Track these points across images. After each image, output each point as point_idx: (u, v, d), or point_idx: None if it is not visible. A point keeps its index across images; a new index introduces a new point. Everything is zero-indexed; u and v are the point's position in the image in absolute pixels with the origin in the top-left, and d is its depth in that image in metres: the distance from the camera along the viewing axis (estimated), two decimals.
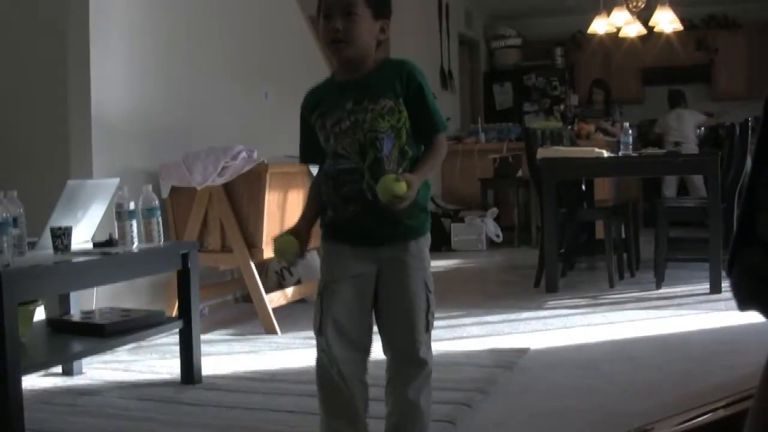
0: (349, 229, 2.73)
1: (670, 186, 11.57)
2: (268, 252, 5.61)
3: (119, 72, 5.59)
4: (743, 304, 1.07)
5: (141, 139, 5.73)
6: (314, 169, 2.92)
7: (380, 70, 2.73)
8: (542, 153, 6.96)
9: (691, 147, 10.48)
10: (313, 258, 6.05)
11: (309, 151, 2.85)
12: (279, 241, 2.74)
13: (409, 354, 2.75)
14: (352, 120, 2.66)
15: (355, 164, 2.66)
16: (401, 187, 2.50)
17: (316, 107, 2.75)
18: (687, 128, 11.32)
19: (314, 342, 2.77)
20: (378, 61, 2.75)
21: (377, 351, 2.80)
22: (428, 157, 2.72)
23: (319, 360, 2.75)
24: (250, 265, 5.53)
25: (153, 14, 5.92)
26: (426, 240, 2.81)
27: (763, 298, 1.04)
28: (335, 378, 2.72)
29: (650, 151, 7.89)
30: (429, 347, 2.78)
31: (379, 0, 2.71)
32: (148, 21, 5.87)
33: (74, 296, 4.47)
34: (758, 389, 1.20)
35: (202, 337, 4.53)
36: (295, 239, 2.73)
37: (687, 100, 11.93)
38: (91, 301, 4.85)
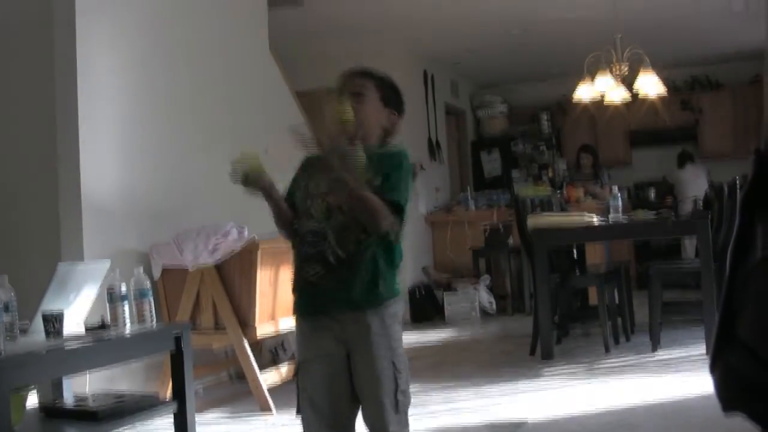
0: (310, 293, 2.77)
1: (690, 246, 11.62)
2: (261, 330, 5.59)
3: (108, 154, 5.61)
4: (727, 408, 1.06)
5: (131, 221, 5.73)
6: None
7: (380, 153, 2.83)
8: (532, 221, 6.96)
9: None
10: None
11: (289, 197, 2.90)
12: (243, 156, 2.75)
13: None
14: (347, 199, 2.72)
15: (320, 226, 2.72)
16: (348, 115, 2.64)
17: (307, 168, 2.86)
18: (704, 183, 11.56)
19: None
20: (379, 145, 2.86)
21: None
22: (375, 197, 2.69)
23: None
24: (243, 343, 5.49)
25: (142, 95, 5.95)
26: (392, 316, 2.81)
27: (746, 402, 1.02)
28: None
29: (640, 214, 7.89)
30: (403, 425, 2.78)
31: (389, 89, 2.91)
32: (136, 102, 5.90)
33: (67, 380, 4.43)
34: None
35: (197, 417, 4.48)
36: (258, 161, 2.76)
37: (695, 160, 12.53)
38: (84, 384, 4.81)
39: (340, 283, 2.72)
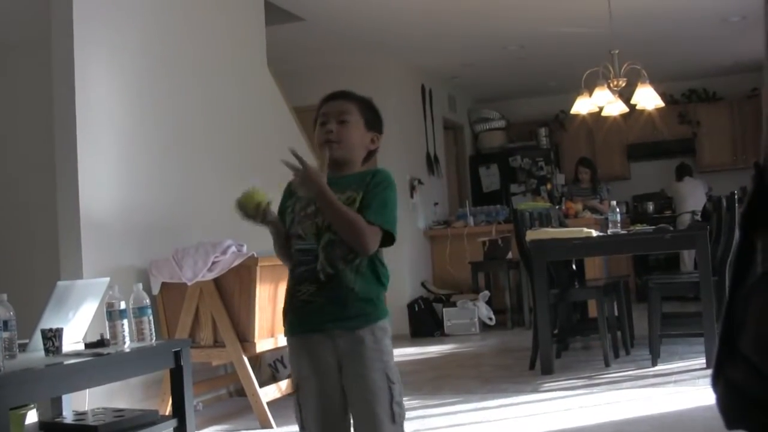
0: (303, 311, 2.81)
1: (689, 259, 11.62)
2: (260, 345, 5.58)
3: (107, 170, 5.61)
4: (730, 424, 1.05)
5: (130, 237, 5.73)
6: None
7: (361, 172, 2.89)
8: (531, 235, 6.97)
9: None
10: None
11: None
12: (247, 194, 2.83)
13: None
14: (317, 205, 2.78)
15: (310, 245, 2.77)
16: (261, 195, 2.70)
17: (295, 194, 2.88)
18: (702, 196, 11.60)
19: None
20: (363, 169, 2.92)
21: None
22: (349, 209, 2.75)
23: None
24: (243, 359, 5.49)
25: (139, 112, 5.96)
26: (383, 330, 2.82)
27: (749, 418, 1.02)
28: None
29: (639, 228, 7.90)
30: None
31: (372, 113, 2.94)
32: (134, 119, 5.91)
33: (66, 397, 4.42)
34: None
35: None
36: (263, 194, 2.82)
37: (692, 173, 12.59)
38: (83, 401, 4.80)
39: (330, 299, 2.76)
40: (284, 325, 2.93)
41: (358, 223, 2.71)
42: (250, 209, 2.79)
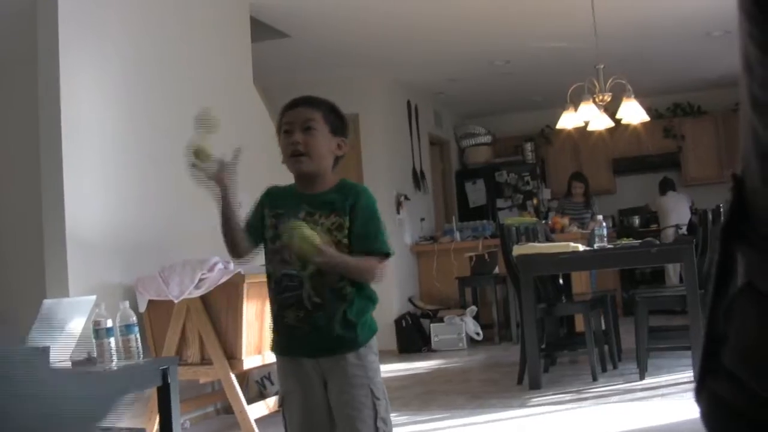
0: (290, 336, 2.82)
1: (674, 273, 11.65)
2: (248, 362, 5.57)
3: (93, 188, 5.59)
4: None
5: (116, 254, 5.71)
6: None
7: (338, 189, 2.86)
8: (518, 250, 6.97)
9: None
10: None
11: (250, 228, 2.94)
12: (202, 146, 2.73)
13: None
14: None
15: (296, 271, 2.76)
16: (315, 237, 2.59)
17: (274, 205, 2.89)
18: (686, 210, 11.64)
19: None
20: (336, 180, 2.89)
21: None
22: (356, 259, 2.76)
23: None
24: (230, 377, 5.47)
25: (125, 129, 5.95)
26: (368, 349, 2.83)
27: (734, 431, 1.02)
28: None
29: (625, 242, 7.91)
30: None
31: (336, 118, 2.91)
32: (120, 136, 5.89)
33: None
34: None
35: None
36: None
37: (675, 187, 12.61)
38: None
39: (316, 327, 2.76)
40: (271, 343, 2.92)
41: (370, 268, 2.76)
42: (208, 159, 2.72)
